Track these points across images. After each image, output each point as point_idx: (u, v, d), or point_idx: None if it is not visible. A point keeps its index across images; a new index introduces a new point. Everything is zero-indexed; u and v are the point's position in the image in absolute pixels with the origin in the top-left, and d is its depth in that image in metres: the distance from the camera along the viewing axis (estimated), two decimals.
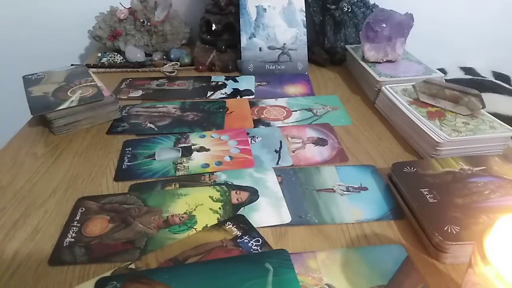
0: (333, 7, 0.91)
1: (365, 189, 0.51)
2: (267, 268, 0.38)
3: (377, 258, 0.40)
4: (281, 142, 0.61)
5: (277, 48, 0.86)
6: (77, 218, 0.46)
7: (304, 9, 0.86)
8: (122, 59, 0.91)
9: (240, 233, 0.43)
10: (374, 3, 0.95)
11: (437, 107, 0.61)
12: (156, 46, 0.95)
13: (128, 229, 0.44)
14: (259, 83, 0.82)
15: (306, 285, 0.37)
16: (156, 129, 0.64)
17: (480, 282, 0.28)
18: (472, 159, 0.51)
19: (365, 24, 0.76)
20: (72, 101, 0.62)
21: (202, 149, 0.59)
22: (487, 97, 0.82)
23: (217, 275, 0.37)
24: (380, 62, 0.78)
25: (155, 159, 0.57)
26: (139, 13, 0.92)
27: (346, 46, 0.89)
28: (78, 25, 1.02)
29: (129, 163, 0.56)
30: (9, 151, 0.59)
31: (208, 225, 0.44)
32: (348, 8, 0.91)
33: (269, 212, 0.46)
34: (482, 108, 0.58)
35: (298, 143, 0.61)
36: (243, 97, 0.76)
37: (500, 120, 0.57)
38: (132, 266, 0.39)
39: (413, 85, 0.65)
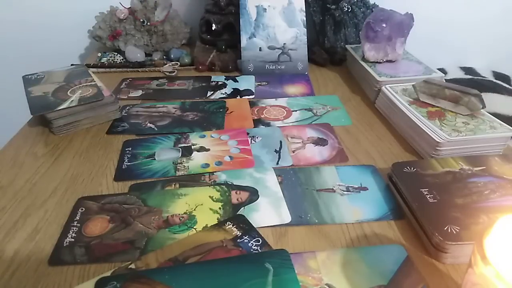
0: (333, 7, 0.91)
1: (365, 189, 0.51)
2: (267, 268, 0.38)
3: (377, 258, 0.40)
4: (281, 142, 0.61)
5: (277, 48, 0.86)
6: (77, 218, 0.46)
7: (304, 9, 0.86)
8: (122, 59, 0.91)
9: (240, 233, 0.43)
10: (374, 3, 0.95)
11: (437, 107, 0.61)
12: (156, 46, 0.95)
13: (128, 229, 0.44)
14: (259, 83, 0.82)
15: (306, 285, 0.37)
16: (156, 129, 0.64)
17: (480, 282, 0.28)
18: (472, 159, 0.51)
19: (365, 24, 0.76)
20: (72, 101, 0.62)
21: (202, 149, 0.59)
22: (487, 97, 0.82)
23: (217, 275, 0.37)
24: (380, 62, 0.78)
25: (155, 159, 0.57)
26: (139, 13, 0.92)
27: (346, 46, 0.89)
28: (78, 25, 1.02)
29: (129, 163, 0.56)
30: (9, 151, 0.59)
31: (208, 225, 0.44)
32: (348, 8, 0.91)
33: (269, 212, 0.46)
34: (482, 108, 0.58)
35: (298, 143, 0.61)
36: (243, 97, 0.76)
37: (500, 120, 0.57)
38: (132, 266, 0.39)
39: (413, 85, 0.65)
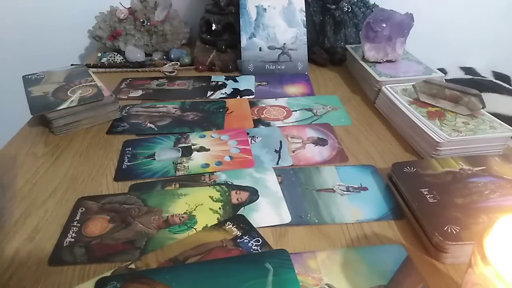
0: (333, 7, 0.91)
1: (365, 189, 0.51)
2: (267, 268, 0.38)
3: (377, 258, 0.40)
4: (281, 142, 0.61)
5: (277, 48, 0.86)
6: (77, 218, 0.46)
7: (304, 9, 0.86)
8: (122, 59, 0.91)
9: (240, 233, 0.43)
10: (374, 3, 0.95)
11: (437, 107, 0.61)
12: (156, 46, 0.95)
13: (128, 229, 0.44)
14: (259, 83, 0.82)
15: (306, 285, 0.37)
16: (156, 129, 0.64)
17: (480, 282, 0.28)
18: (472, 159, 0.51)
19: (365, 24, 0.76)
20: (72, 101, 0.62)
21: (202, 149, 0.59)
22: (487, 97, 0.82)
23: (217, 275, 0.37)
24: (380, 62, 0.78)
25: (155, 159, 0.57)
26: (139, 13, 0.92)
27: (346, 46, 0.89)
28: (78, 25, 1.02)
29: (129, 163, 0.56)
30: (9, 151, 0.59)
31: (208, 225, 0.44)
32: (348, 8, 0.91)
33: (269, 212, 0.46)
34: (482, 108, 0.58)
35: (298, 143, 0.61)
36: (243, 97, 0.76)
37: (500, 120, 0.57)
38: (132, 266, 0.39)
39: (413, 85, 0.65)
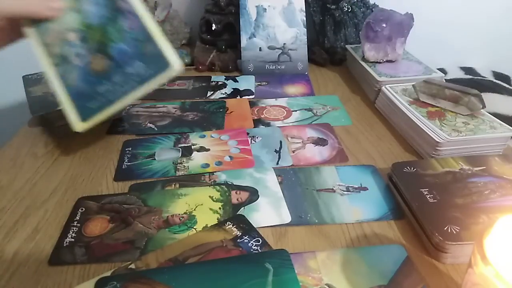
0: (333, 7, 0.91)
1: (365, 189, 0.51)
2: (267, 268, 0.38)
3: (377, 258, 0.40)
4: (281, 142, 0.61)
5: (277, 48, 0.86)
6: (77, 218, 0.46)
7: (304, 9, 0.86)
8: None
9: (240, 233, 0.43)
10: (374, 3, 0.95)
11: (437, 107, 0.61)
12: None
13: (128, 229, 0.44)
14: (259, 83, 0.82)
15: (306, 285, 0.37)
16: (156, 129, 0.64)
17: (480, 282, 0.28)
18: (472, 159, 0.51)
19: (365, 24, 0.76)
20: None
21: (202, 149, 0.59)
22: (487, 97, 0.82)
23: (217, 275, 0.37)
24: (380, 62, 0.78)
25: (155, 159, 0.57)
26: None
27: (346, 46, 0.89)
28: None
29: (129, 163, 0.56)
30: (9, 151, 0.59)
31: (208, 225, 0.44)
32: (348, 8, 0.91)
33: (269, 212, 0.46)
34: (482, 108, 0.58)
35: (298, 143, 0.61)
36: (243, 97, 0.76)
37: (500, 120, 0.57)
38: (132, 266, 0.39)
39: (413, 85, 0.65)
